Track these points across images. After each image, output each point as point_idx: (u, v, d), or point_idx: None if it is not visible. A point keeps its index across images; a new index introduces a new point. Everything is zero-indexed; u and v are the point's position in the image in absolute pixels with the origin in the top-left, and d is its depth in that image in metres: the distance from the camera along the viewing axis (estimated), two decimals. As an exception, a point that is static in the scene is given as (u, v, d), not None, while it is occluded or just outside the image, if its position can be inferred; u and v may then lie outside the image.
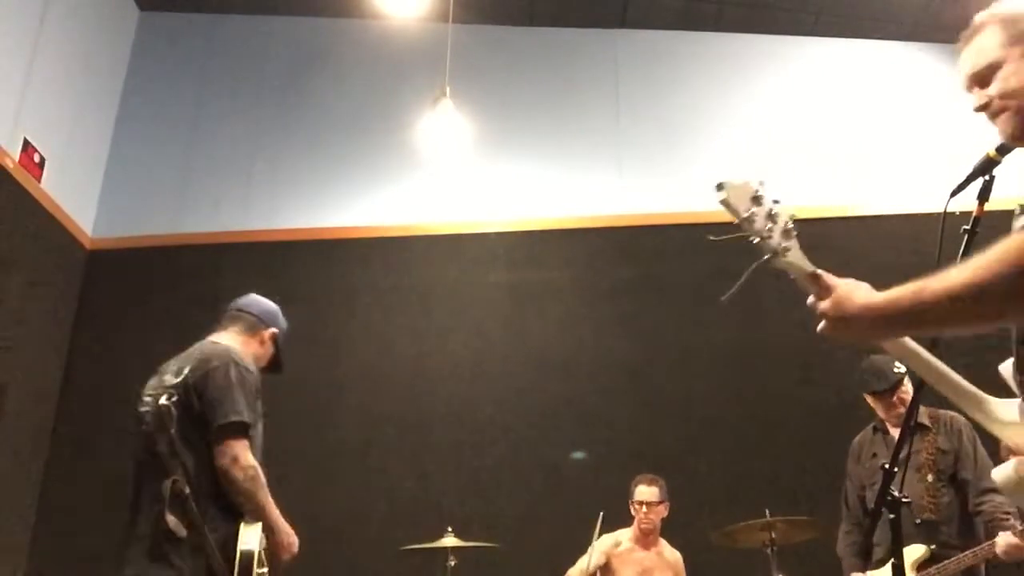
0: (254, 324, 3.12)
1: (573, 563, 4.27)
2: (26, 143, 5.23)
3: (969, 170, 1.90)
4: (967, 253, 1.84)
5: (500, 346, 5.47)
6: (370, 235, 5.81)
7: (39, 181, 5.34)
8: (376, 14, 6.11)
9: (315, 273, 5.72)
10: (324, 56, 6.36)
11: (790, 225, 1.41)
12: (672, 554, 4.35)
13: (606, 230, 5.72)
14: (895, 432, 3.62)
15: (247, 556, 2.55)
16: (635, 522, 4.32)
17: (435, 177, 5.92)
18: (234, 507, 2.65)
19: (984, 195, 1.89)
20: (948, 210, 1.85)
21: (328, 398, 5.38)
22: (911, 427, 3.55)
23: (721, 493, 4.86)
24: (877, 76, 6.00)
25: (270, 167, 6.08)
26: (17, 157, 5.13)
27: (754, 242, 1.40)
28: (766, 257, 1.41)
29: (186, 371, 2.77)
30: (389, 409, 5.33)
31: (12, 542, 5.02)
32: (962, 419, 3.50)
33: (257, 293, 3.43)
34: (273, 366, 3.22)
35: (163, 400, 2.71)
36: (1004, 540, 3.13)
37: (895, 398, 3.57)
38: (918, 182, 5.48)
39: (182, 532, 2.53)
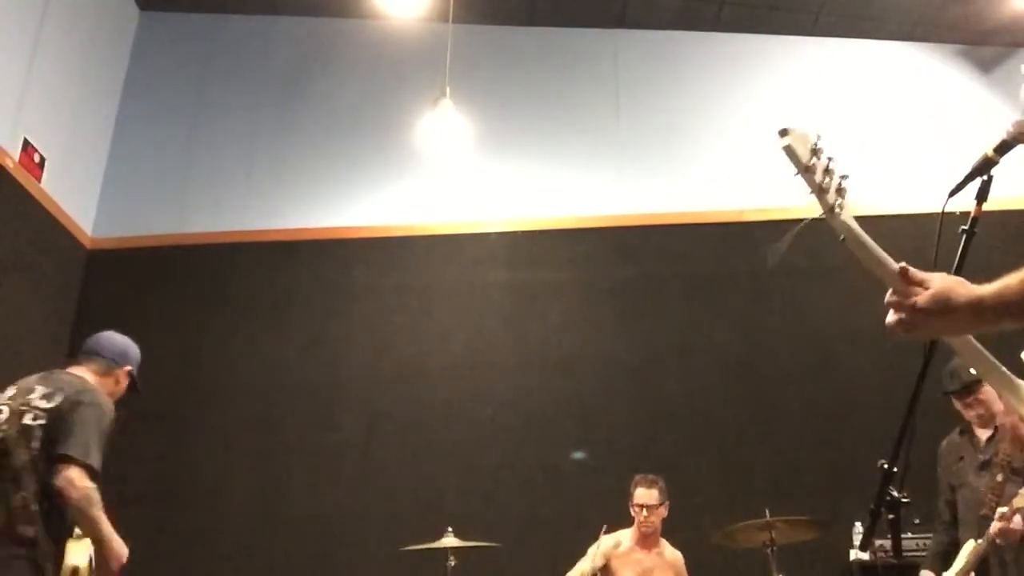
0: (109, 364, 3.35)
1: (573, 563, 4.27)
2: (26, 143, 5.23)
3: (967, 170, 1.90)
4: (965, 253, 1.83)
5: (500, 346, 5.47)
6: (370, 235, 5.82)
7: (39, 181, 5.34)
8: (376, 14, 6.11)
9: (315, 273, 5.73)
10: (324, 56, 6.36)
11: (844, 184, 1.37)
12: (673, 554, 4.35)
13: (606, 230, 5.72)
14: (981, 433, 3.63)
15: (73, 570, 2.87)
16: (635, 524, 4.31)
17: (435, 177, 5.92)
18: (62, 525, 2.89)
19: (982, 195, 1.88)
20: (947, 210, 1.84)
21: (328, 398, 5.39)
22: (909, 423, 3.59)
23: (721, 493, 4.86)
24: (877, 76, 6.00)
25: (270, 167, 6.08)
26: (17, 157, 5.13)
27: (812, 193, 1.34)
28: (821, 214, 1.36)
29: (59, 400, 2.96)
30: (389, 409, 5.34)
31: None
32: None
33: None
34: (130, 393, 3.50)
35: (28, 419, 2.90)
36: (994, 525, 3.15)
37: (972, 399, 3.55)
38: (917, 182, 5.48)
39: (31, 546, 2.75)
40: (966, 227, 1.88)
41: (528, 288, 5.61)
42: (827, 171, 1.33)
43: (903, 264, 1.37)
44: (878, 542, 3.98)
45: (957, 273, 1.70)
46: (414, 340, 5.51)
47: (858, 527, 4.55)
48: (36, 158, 5.32)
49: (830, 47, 6.11)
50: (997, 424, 3.56)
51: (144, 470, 5.22)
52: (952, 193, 1.88)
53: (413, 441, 5.24)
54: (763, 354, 5.31)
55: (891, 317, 1.39)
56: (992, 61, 5.88)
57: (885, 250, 1.44)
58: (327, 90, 6.26)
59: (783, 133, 1.31)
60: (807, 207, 1.42)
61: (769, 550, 3.91)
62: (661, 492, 4.27)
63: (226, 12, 6.49)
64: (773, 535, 3.92)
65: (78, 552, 2.90)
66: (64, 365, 3.30)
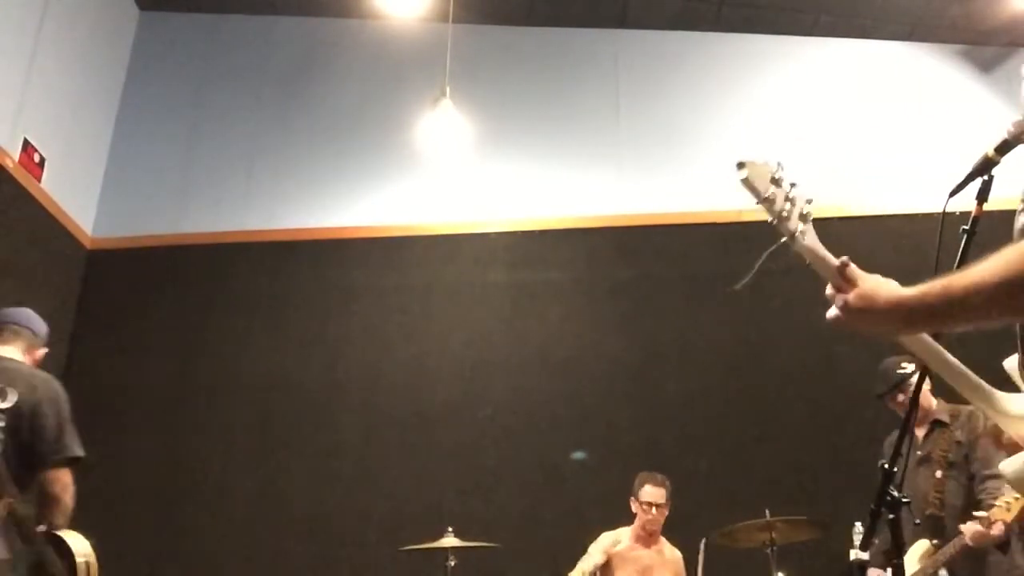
0: (34, 342, 3.23)
1: (573, 563, 4.27)
2: (26, 143, 5.23)
3: (968, 170, 1.90)
4: (966, 253, 1.84)
5: (500, 346, 5.47)
6: (370, 235, 5.82)
7: (39, 181, 5.34)
8: (376, 14, 6.11)
9: (315, 273, 5.73)
10: (324, 56, 6.36)
11: (807, 209, 1.41)
12: (672, 552, 4.35)
13: (606, 230, 5.72)
14: (918, 431, 3.64)
15: (87, 558, 2.76)
16: (637, 520, 4.31)
17: (435, 177, 5.92)
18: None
19: (983, 195, 1.89)
20: (947, 210, 1.85)
21: (328, 398, 5.39)
22: (924, 431, 3.62)
23: (721, 493, 4.86)
24: (877, 76, 6.00)
25: (270, 167, 6.08)
26: (17, 157, 5.13)
27: (773, 224, 1.39)
28: (783, 240, 1.41)
29: (13, 398, 2.86)
30: (389, 409, 5.34)
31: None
32: (980, 413, 3.46)
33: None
34: None
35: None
36: (970, 528, 3.12)
37: (902, 398, 3.57)
38: (918, 182, 5.48)
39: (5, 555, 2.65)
40: (967, 227, 1.88)
41: (528, 288, 5.61)
42: (788, 199, 1.38)
43: (844, 259, 1.41)
44: (878, 542, 3.98)
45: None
46: (414, 340, 5.51)
47: (858, 527, 4.54)
48: (36, 158, 5.32)
49: (830, 47, 6.11)
50: (933, 419, 3.61)
51: (144, 470, 5.22)
52: (953, 193, 1.88)
53: (413, 441, 5.24)
54: (763, 354, 5.31)
55: (829, 311, 1.43)
56: (992, 61, 5.88)
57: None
58: (327, 90, 6.26)
59: (740, 166, 1.36)
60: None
61: (769, 550, 3.92)
62: (668, 491, 4.29)
63: (226, 12, 6.49)
64: (773, 535, 3.92)
65: (78, 542, 2.82)
66: None
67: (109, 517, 5.16)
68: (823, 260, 1.43)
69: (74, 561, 2.73)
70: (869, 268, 1.45)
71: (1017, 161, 1.87)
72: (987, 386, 1.57)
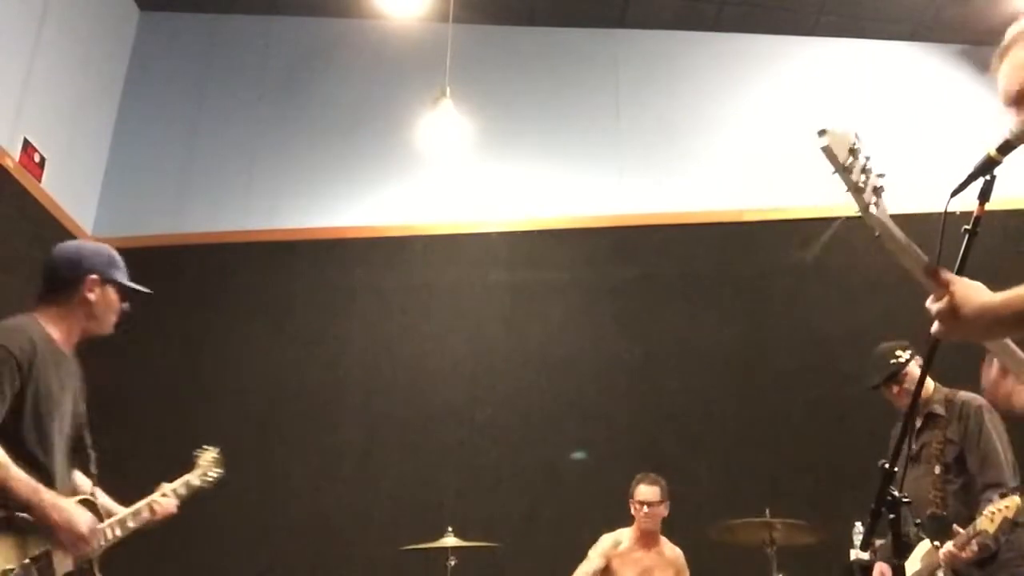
0: (63, 287, 2.70)
1: (573, 563, 4.27)
2: (26, 143, 5.23)
3: (970, 170, 1.89)
4: (967, 253, 1.83)
5: (500, 346, 5.47)
6: (370, 235, 5.82)
7: (39, 181, 5.34)
8: (376, 14, 6.11)
9: (315, 273, 5.72)
10: (324, 56, 6.36)
11: (880, 183, 1.40)
12: (673, 551, 4.35)
13: (606, 230, 5.72)
14: (918, 421, 3.51)
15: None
16: (636, 522, 4.32)
17: (435, 177, 5.92)
18: None
19: (985, 195, 1.88)
20: (949, 210, 1.84)
21: (328, 398, 5.39)
22: (919, 422, 3.51)
23: (721, 493, 4.86)
24: (877, 76, 6.00)
25: (270, 167, 6.08)
26: (17, 157, 5.13)
27: (849, 192, 1.37)
28: (857, 213, 1.39)
29: None
30: (389, 409, 5.33)
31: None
32: (974, 403, 3.37)
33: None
34: (128, 297, 2.82)
35: None
36: (945, 548, 3.07)
37: (897, 389, 3.48)
38: (918, 182, 5.47)
39: None
40: (968, 227, 1.88)
41: (528, 288, 5.61)
42: (864, 170, 1.37)
43: (927, 262, 1.39)
44: (878, 542, 3.98)
45: (959, 273, 1.70)
46: (414, 340, 5.51)
47: (858, 527, 4.55)
48: (36, 158, 5.32)
49: (830, 47, 6.11)
50: (928, 411, 3.47)
51: (144, 470, 5.21)
52: (955, 193, 1.87)
53: (413, 441, 5.24)
54: (763, 354, 5.31)
55: (933, 326, 1.43)
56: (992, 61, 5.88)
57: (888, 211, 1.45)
58: (327, 90, 6.26)
59: (822, 133, 1.33)
60: (843, 206, 1.43)
61: (769, 550, 3.92)
62: (662, 490, 4.28)
63: (226, 12, 6.49)
64: (773, 535, 3.92)
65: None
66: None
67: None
68: (893, 235, 1.41)
69: None
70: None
71: (1018, 161, 1.87)
72: None
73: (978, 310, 1.34)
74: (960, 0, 5.67)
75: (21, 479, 2.32)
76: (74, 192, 5.72)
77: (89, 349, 5.90)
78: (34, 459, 2.44)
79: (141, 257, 5.81)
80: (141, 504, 2.87)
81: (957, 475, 3.37)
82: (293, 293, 5.66)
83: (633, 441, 5.12)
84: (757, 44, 6.13)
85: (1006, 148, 1.79)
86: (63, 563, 2.40)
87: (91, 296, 2.68)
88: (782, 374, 5.22)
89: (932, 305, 1.41)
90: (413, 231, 5.80)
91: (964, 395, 3.44)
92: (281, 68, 6.37)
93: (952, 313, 1.37)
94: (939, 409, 3.47)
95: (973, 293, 1.36)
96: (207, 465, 3.24)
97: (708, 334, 5.37)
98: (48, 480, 2.44)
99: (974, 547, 3.02)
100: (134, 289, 2.80)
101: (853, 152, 1.37)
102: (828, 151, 1.36)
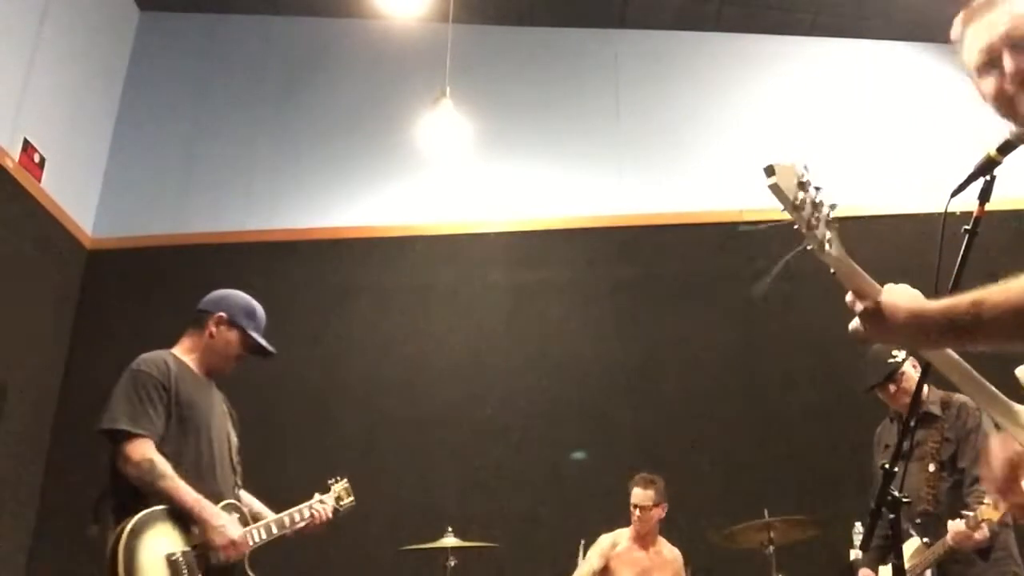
0: (199, 320, 3.11)
1: (573, 563, 4.27)
2: (26, 143, 5.23)
3: (970, 170, 1.90)
4: (967, 253, 1.83)
5: (500, 346, 5.47)
6: (370, 235, 5.81)
7: (39, 181, 5.34)
8: (376, 14, 6.11)
9: (315, 273, 5.72)
10: (324, 56, 6.36)
11: (831, 215, 1.34)
12: (671, 552, 4.35)
13: (606, 230, 5.72)
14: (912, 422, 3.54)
15: (119, 530, 2.56)
16: (632, 523, 4.32)
17: (435, 177, 5.92)
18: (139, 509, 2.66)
19: (985, 195, 1.88)
20: (949, 210, 1.84)
21: (328, 398, 5.38)
22: (913, 421, 3.51)
23: (721, 493, 4.86)
24: (877, 76, 6.00)
25: (270, 167, 6.08)
26: (17, 157, 5.13)
27: (801, 231, 1.32)
28: (809, 247, 1.34)
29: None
30: (389, 409, 5.33)
31: (12, 542, 5.02)
32: (972, 404, 3.39)
33: (257, 293, 3.41)
34: (252, 349, 3.16)
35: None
36: (954, 527, 3.07)
37: (894, 389, 3.47)
38: (918, 182, 5.48)
39: (96, 537, 2.68)
40: (968, 227, 1.88)
41: (528, 288, 5.61)
42: (815, 204, 1.30)
43: (862, 275, 1.36)
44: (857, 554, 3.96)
45: (959, 273, 1.70)
46: (414, 340, 5.51)
47: (858, 527, 4.55)
48: (36, 158, 5.32)
49: (830, 47, 6.11)
50: (924, 411, 3.45)
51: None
52: (954, 193, 1.87)
53: (413, 441, 5.24)
54: (763, 354, 5.31)
55: (852, 323, 1.39)
56: (992, 61, 5.88)
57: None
58: (327, 90, 6.26)
59: (769, 172, 1.28)
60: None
61: (768, 550, 3.92)
62: (658, 493, 4.26)
63: (226, 12, 6.49)
64: (772, 535, 3.92)
65: (130, 519, 2.60)
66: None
67: (110, 516, 5.15)
68: (850, 270, 1.37)
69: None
70: (869, 268, 1.44)
71: (1019, 162, 1.87)
72: (1006, 400, 1.53)
73: (909, 315, 1.28)
74: (960, 0, 5.66)
75: (186, 490, 2.67)
76: (74, 192, 5.72)
77: (89, 349, 5.92)
78: (188, 470, 2.76)
79: (141, 257, 5.87)
80: (285, 513, 3.21)
81: (951, 473, 3.37)
82: (293, 293, 5.65)
83: (633, 441, 5.12)
84: (757, 44, 6.14)
85: (1006, 148, 1.79)
86: (215, 556, 2.73)
87: (213, 332, 3.06)
88: (781, 374, 5.22)
89: (856, 303, 1.37)
90: (413, 231, 5.80)
91: (961, 397, 3.45)
92: (281, 68, 6.37)
93: (879, 313, 1.32)
94: (935, 409, 3.47)
95: (905, 297, 1.32)
96: (341, 492, 3.47)
97: (708, 334, 5.37)
98: (203, 490, 2.75)
99: (985, 530, 3.03)
100: (257, 343, 3.14)
101: (803, 186, 1.30)
102: (776, 189, 1.28)
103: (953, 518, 3.20)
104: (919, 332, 1.30)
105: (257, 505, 3.27)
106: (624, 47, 6.23)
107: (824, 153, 5.75)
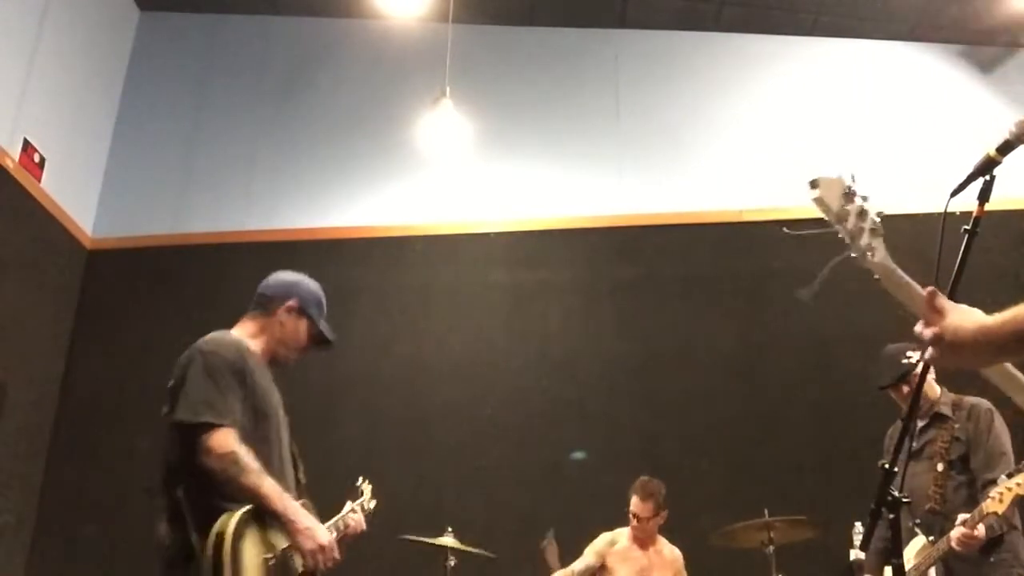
0: (266, 304, 2.90)
1: (573, 563, 4.27)
2: (26, 143, 5.23)
3: (970, 170, 1.90)
4: (967, 253, 1.83)
5: (500, 346, 5.47)
6: (370, 235, 5.81)
7: (39, 181, 5.34)
8: (376, 14, 6.11)
9: (315, 273, 5.69)
10: (324, 56, 6.36)
11: (877, 223, 1.36)
12: (671, 552, 4.34)
13: (606, 230, 5.72)
14: (920, 422, 3.50)
15: (218, 535, 2.28)
16: (631, 528, 4.31)
17: (435, 177, 5.92)
18: (224, 506, 2.38)
19: (985, 195, 1.88)
20: (948, 210, 1.84)
21: (328, 398, 5.38)
22: (925, 421, 3.52)
23: (721, 493, 4.86)
24: (877, 76, 6.00)
25: (270, 167, 6.08)
26: (17, 157, 5.13)
27: (845, 240, 1.34)
28: (854, 255, 1.36)
29: (174, 376, 2.64)
30: (389, 409, 5.33)
31: (12, 542, 5.02)
32: (984, 406, 3.38)
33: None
34: (316, 340, 3.02)
35: (165, 409, 2.56)
36: (958, 531, 3.05)
37: (907, 390, 3.44)
38: (918, 182, 5.48)
39: (166, 540, 2.38)
40: (968, 227, 1.88)
41: (528, 288, 5.61)
42: (860, 213, 1.33)
43: (931, 288, 1.37)
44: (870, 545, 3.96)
45: (959, 273, 1.69)
46: (414, 340, 5.51)
47: (858, 527, 4.55)
48: (36, 158, 5.32)
49: (830, 47, 6.11)
50: (935, 412, 3.46)
51: (144, 469, 5.21)
52: (954, 193, 1.87)
53: (413, 441, 5.24)
54: (763, 354, 5.30)
55: (927, 352, 1.39)
56: (992, 61, 5.88)
57: (886, 249, 1.43)
58: (327, 90, 6.26)
59: (812, 185, 1.30)
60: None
61: (768, 550, 3.92)
62: (657, 503, 4.22)
63: (226, 12, 6.49)
64: (772, 535, 3.92)
65: (227, 520, 2.31)
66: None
67: (109, 516, 5.16)
68: (893, 277, 1.38)
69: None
70: (869, 268, 1.44)
71: (1019, 162, 1.87)
72: None
73: (973, 334, 1.31)
74: (960, 0, 5.67)
75: (273, 487, 2.43)
76: (74, 192, 5.72)
77: (89, 349, 5.92)
78: (265, 462, 2.50)
79: (141, 257, 5.87)
80: (334, 521, 2.93)
81: (959, 473, 3.36)
82: (293, 293, 5.65)
83: (633, 441, 5.12)
84: (757, 44, 6.13)
85: (1006, 148, 1.79)
86: (302, 561, 2.49)
87: (283, 319, 2.88)
88: (782, 374, 5.22)
89: (924, 330, 1.39)
90: (413, 231, 5.80)
91: (973, 399, 3.45)
92: (281, 68, 6.37)
93: (946, 338, 1.34)
94: (946, 410, 3.46)
95: (968, 317, 1.34)
96: (367, 498, 3.34)
97: (708, 334, 5.37)
98: (279, 483, 2.52)
99: (981, 529, 3.02)
100: (323, 336, 3.00)
101: (848, 196, 1.34)
102: (820, 202, 1.34)
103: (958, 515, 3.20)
104: (988, 348, 1.31)
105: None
106: (624, 47, 6.23)
107: (824, 153, 5.76)
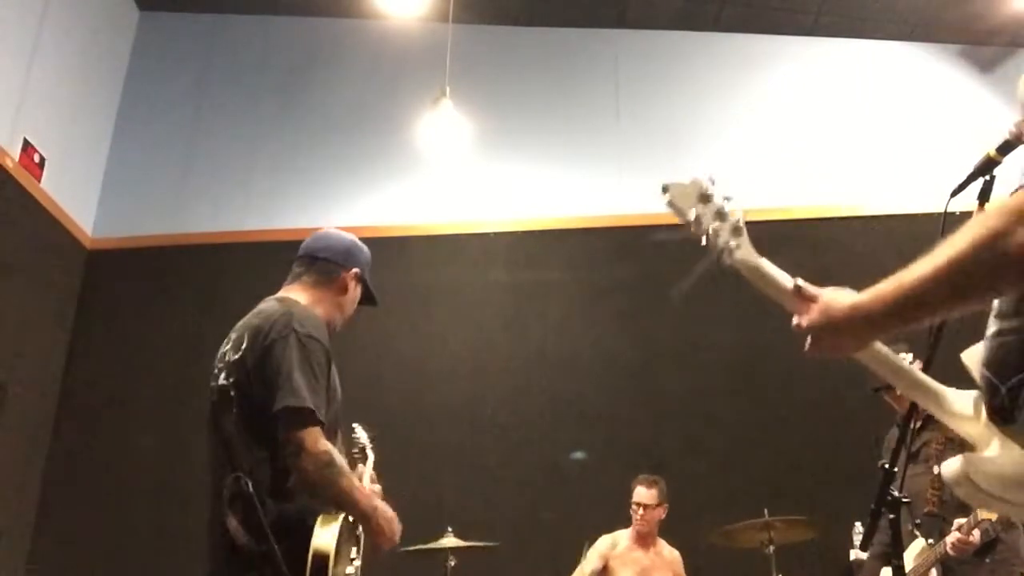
0: (330, 270, 2.67)
1: (573, 563, 4.27)
2: (26, 143, 5.23)
3: (970, 170, 1.90)
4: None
5: (500, 346, 5.47)
6: (370, 235, 5.76)
7: (39, 181, 5.34)
8: (376, 14, 6.11)
9: (315, 273, 5.71)
10: (324, 56, 6.36)
11: (740, 223, 1.39)
12: (671, 553, 4.36)
13: (606, 230, 5.72)
14: (916, 423, 3.55)
15: (320, 555, 2.07)
16: (633, 522, 4.32)
17: (435, 177, 5.92)
18: (308, 508, 2.18)
19: (984, 195, 1.88)
20: (948, 210, 1.84)
21: (328, 398, 5.38)
22: (920, 423, 3.53)
23: (721, 493, 4.86)
24: (877, 76, 6.00)
25: (270, 167, 6.08)
26: (17, 157, 5.13)
27: (702, 242, 1.38)
28: (715, 256, 1.39)
29: (244, 347, 2.34)
30: (389, 409, 5.33)
31: (12, 542, 5.02)
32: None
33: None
34: (362, 302, 2.88)
35: (222, 379, 2.32)
36: (953, 537, 3.08)
37: (900, 392, 3.50)
38: (918, 182, 5.48)
39: (241, 539, 2.10)
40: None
41: (528, 288, 5.61)
42: (719, 213, 1.36)
43: (796, 281, 1.38)
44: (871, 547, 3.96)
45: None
46: (414, 340, 5.51)
47: (858, 527, 4.55)
48: (36, 158, 5.32)
49: (830, 47, 6.11)
50: (928, 413, 3.47)
51: (144, 469, 5.22)
52: (954, 193, 1.88)
53: (413, 441, 5.24)
54: (763, 354, 5.30)
55: (806, 345, 1.41)
56: (992, 61, 5.88)
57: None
58: (327, 90, 6.25)
59: (664, 190, 1.35)
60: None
61: (768, 550, 3.92)
62: (660, 493, 4.30)
63: (226, 12, 6.49)
64: (772, 535, 3.92)
65: (325, 533, 2.11)
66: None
67: (109, 516, 5.16)
68: (759, 271, 1.40)
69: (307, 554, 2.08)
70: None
71: (1018, 162, 1.87)
72: (934, 385, 1.54)
73: (847, 311, 1.30)
74: (960, 0, 5.67)
75: (362, 489, 2.29)
76: (74, 192, 5.72)
77: (89, 349, 5.91)
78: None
79: (141, 257, 5.87)
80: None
81: None
82: (293, 293, 5.65)
83: (633, 441, 5.11)
84: (757, 44, 6.13)
85: (1006, 148, 1.80)
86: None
87: (348, 288, 2.72)
88: (782, 374, 5.22)
89: (800, 320, 1.38)
90: (413, 231, 5.80)
91: None
92: (281, 68, 6.37)
93: (823, 321, 1.33)
94: None
95: (840, 297, 1.33)
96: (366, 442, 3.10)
97: (708, 334, 5.37)
98: None
99: (976, 535, 3.03)
100: (372, 297, 2.89)
101: (704, 199, 1.41)
102: (672, 206, 1.41)
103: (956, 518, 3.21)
104: (860, 325, 1.31)
105: None
106: (624, 47, 6.23)
107: (824, 153, 5.76)
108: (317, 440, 2.17)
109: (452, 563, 3.97)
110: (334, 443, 2.33)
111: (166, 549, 4.93)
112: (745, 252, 1.41)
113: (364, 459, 2.90)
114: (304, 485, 2.16)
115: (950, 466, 1.44)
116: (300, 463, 2.13)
